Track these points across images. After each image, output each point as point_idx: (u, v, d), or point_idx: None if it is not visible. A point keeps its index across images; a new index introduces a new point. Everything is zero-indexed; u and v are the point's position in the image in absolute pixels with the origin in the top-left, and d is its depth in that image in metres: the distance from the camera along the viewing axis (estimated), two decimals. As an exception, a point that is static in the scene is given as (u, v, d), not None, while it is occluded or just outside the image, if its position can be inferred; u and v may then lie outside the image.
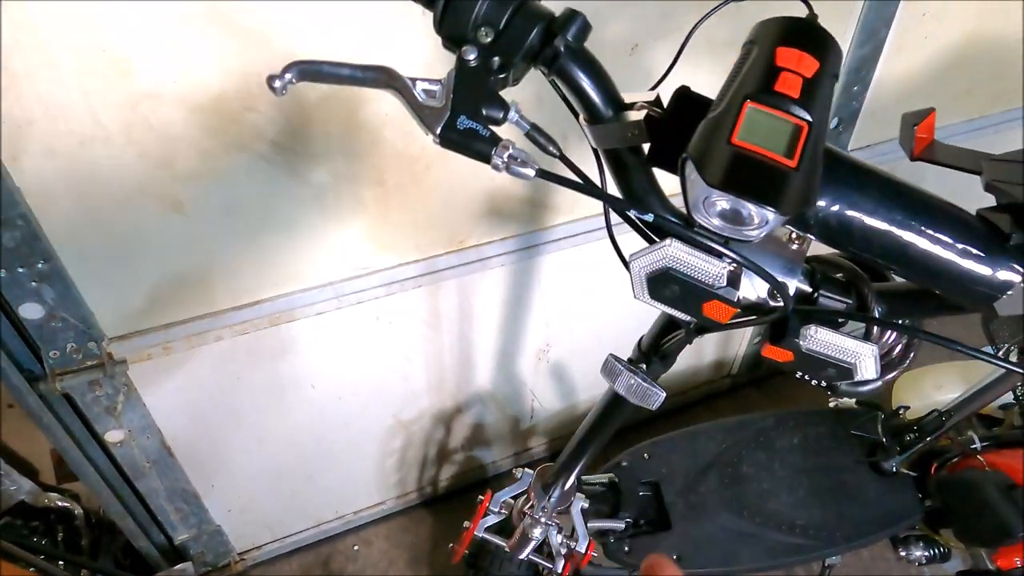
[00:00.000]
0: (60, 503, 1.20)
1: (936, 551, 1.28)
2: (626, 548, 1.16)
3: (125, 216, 0.87)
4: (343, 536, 1.51)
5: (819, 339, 0.43)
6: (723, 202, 0.33)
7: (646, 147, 0.41)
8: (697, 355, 1.69)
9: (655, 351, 0.65)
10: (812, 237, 0.43)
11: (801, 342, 0.43)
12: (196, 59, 0.78)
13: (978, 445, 1.20)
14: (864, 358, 0.42)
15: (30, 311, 0.88)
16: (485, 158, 0.38)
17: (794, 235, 0.46)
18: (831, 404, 1.38)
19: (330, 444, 1.32)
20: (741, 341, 1.74)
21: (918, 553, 1.27)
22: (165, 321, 1.00)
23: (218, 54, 0.79)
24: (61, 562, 1.04)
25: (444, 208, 1.07)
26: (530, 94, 0.93)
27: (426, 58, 0.88)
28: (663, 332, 0.63)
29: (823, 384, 0.51)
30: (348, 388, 1.24)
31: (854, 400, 1.38)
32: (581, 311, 1.37)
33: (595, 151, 0.45)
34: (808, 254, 0.50)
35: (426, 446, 1.46)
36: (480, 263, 1.16)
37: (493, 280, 1.22)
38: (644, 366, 0.65)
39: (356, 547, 1.50)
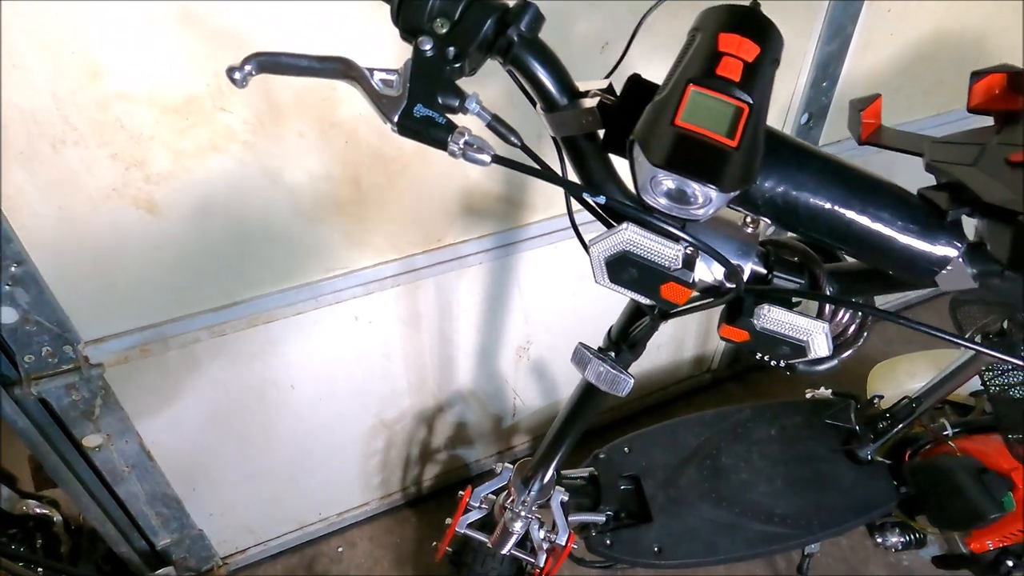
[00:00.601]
0: (39, 510, 1.19)
1: (912, 537, 1.31)
2: (608, 541, 1.17)
3: (99, 218, 0.87)
4: (327, 538, 1.51)
5: (772, 318, 0.44)
6: (668, 181, 0.35)
7: (602, 134, 0.42)
8: (677, 351, 1.71)
9: (624, 339, 0.66)
10: (767, 220, 0.44)
11: (755, 321, 0.45)
12: (167, 60, 0.79)
13: (950, 432, 1.23)
14: (816, 335, 0.44)
15: (4, 315, 0.88)
16: (442, 145, 0.39)
17: (748, 219, 0.48)
18: (807, 395, 1.40)
19: (312, 445, 1.32)
20: (720, 336, 1.76)
21: (894, 539, 1.29)
22: (142, 324, 0.99)
23: (189, 55, 0.79)
24: (40, 568, 1.04)
25: (420, 207, 1.08)
26: (502, 91, 0.94)
27: (398, 56, 0.89)
28: (630, 320, 0.64)
29: (782, 364, 0.52)
30: (328, 389, 1.24)
31: (830, 391, 1.40)
32: (560, 308, 1.38)
33: (555, 141, 0.46)
34: (764, 238, 0.52)
35: (409, 446, 1.47)
36: (457, 261, 1.17)
37: (471, 279, 1.23)
38: (613, 354, 0.66)
39: (340, 549, 1.50)
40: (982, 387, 1.12)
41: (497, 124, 0.46)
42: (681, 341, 1.69)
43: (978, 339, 0.97)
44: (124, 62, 0.77)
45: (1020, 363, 0.39)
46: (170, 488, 1.22)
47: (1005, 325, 0.95)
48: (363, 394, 1.30)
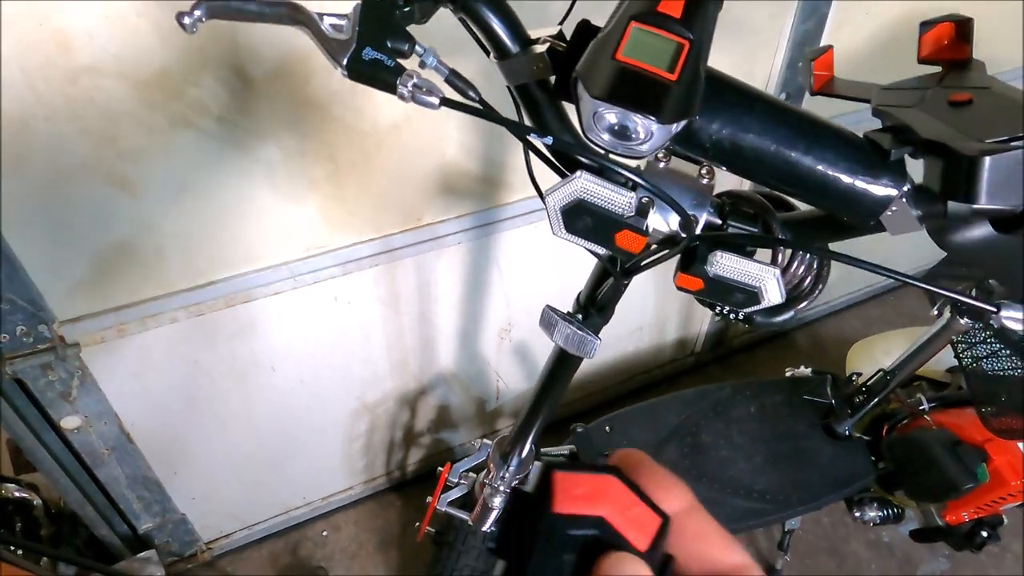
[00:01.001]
0: (18, 494, 1.18)
1: (890, 512, 1.32)
2: (589, 518, 1.18)
3: (72, 195, 0.87)
4: (312, 522, 1.51)
5: (724, 264, 0.45)
6: (610, 115, 0.35)
7: (553, 80, 0.43)
8: (660, 334, 1.72)
9: (592, 303, 0.67)
10: (723, 167, 0.45)
11: (708, 268, 0.45)
12: (136, 33, 0.78)
13: (926, 406, 1.24)
14: (767, 280, 0.45)
15: (-24, 293, 0.87)
16: (391, 88, 0.40)
17: (703, 171, 0.48)
18: (787, 373, 1.41)
19: (294, 428, 1.32)
20: (703, 320, 1.77)
21: (872, 514, 1.31)
22: (117, 303, 0.99)
23: (158, 28, 0.79)
24: (19, 550, 1.03)
25: (398, 186, 1.08)
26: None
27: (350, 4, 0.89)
28: (597, 283, 0.65)
29: (740, 316, 0.53)
30: (309, 370, 1.24)
31: (809, 370, 1.42)
32: (540, 291, 1.39)
33: (511, 92, 0.47)
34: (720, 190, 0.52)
35: (392, 429, 1.47)
36: (436, 241, 1.17)
37: (450, 259, 1.23)
38: (581, 317, 0.66)
39: (325, 533, 1.50)
40: (956, 361, 1.13)
41: (455, 78, 0.46)
42: (663, 324, 1.70)
43: (949, 308, 0.98)
44: (93, 35, 0.77)
45: (949, 294, 0.40)
46: (151, 471, 1.22)
47: (974, 293, 0.96)
48: (344, 376, 1.30)
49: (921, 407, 1.25)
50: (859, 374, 1.31)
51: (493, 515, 1.09)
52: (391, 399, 1.40)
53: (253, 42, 0.85)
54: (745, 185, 0.68)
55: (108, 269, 0.96)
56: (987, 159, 0.33)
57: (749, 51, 1.27)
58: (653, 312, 1.64)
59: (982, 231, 0.62)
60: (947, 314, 1.01)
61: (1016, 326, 0.40)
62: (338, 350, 1.25)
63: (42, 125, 0.80)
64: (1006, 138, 0.34)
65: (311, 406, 1.30)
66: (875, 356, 1.37)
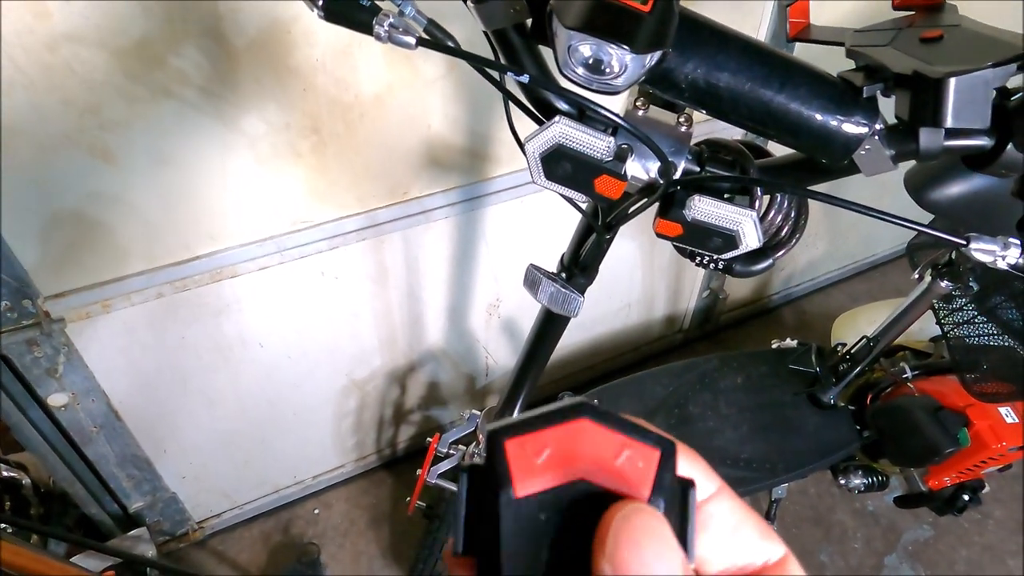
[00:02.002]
0: (6, 473, 1.18)
1: (875, 479, 1.34)
2: (578, 489, 1.19)
3: (54, 166, 0.86)
4: (303, 501, 1.51)
5: (702, 208, 0.45)
6: (584, 48, 0.36)
7: (530, 24, 0.43)
8: (648, 311, 1.73)
9: (575, 263, 0.67)
10: (699, 109, 0.45)
11: (687, 212, 0.46)
12: (116, 1, 0.78)
13: (909, 374, 1.26)
14: (744, 223, 0.45)
15: (-42, 267, 0.87)
16: (367, 28, 0.40)
17: (681, 118, 0.49)
18: (773, 345, 1.43)
19: (283, 406, 1.32)
20: (691, 297, 1.78)
21: (857, 481, 1.33)
22: (102, 278, 0.99)
23: (137, -6, 0.78)
24: (8, 527, 1.03)
25: (383, 158, 1.08)
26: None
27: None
28: (580, 241, 0.66)
29: (720, 266, 0.54)
30: (297, 347, 1.25)
31: (795, 342, 1.43)
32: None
33: (489, 40, 0.47)
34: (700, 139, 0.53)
35: (382, 407, 1.47)
36: (423, 215, 1.17)
37: (438, 233, 1.23)
38: (565, 276, 0.67)
39: (316, 511, 1.50)
40: (937, 326, 1.14)
41: (434, 28, 0.46)
42: (651, 301, 1.71)
43: (930, 271, 1.00)
44: (72, 2, 0.76)
45: (920, 227, 0.41)
46: (140, 450, 1.22)
47: (953, 256, 0.97)
48: (333, 353, 1.30)
49: (904, 375, 1.26)
50: (844, 344, 1.33)
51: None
52: (380, 376, 1.41)
53: (235, 10, 0.84)
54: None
55: (93, 243, 0.95)
56: (952, 80, 0.34)
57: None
58: (641, 289, 1.65)
59: (957, 183, 0.63)
60: (928, 278, 1.02)
61: (986, 258, 0.40)
62: (325, 326, 1.25)
63: (21, 95, 0.80)
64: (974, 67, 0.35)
65: (299, 383, 1.30)
66: (860, 327, 1.38)
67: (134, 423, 1.18)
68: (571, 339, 1.64)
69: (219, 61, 0.88)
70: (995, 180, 0.49)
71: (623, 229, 1.53)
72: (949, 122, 0.35)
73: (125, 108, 0.86)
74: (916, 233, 1.17)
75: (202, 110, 0.90)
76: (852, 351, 1.22)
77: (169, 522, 1.37)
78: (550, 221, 1.32)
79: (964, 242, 0.40)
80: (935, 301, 1.05)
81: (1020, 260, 0.40)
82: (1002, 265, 0.40)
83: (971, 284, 0.98)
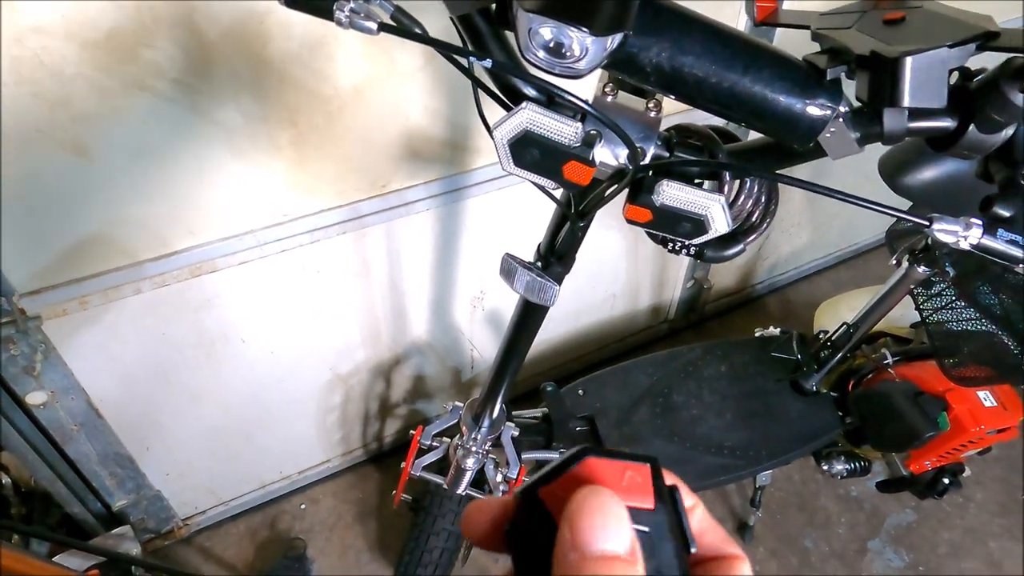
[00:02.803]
0: (-14, 473, 1.17)
1: (857, 465, 1.36)
2: (563, 480, 1.20)
3: (26, 161, 0.85)
4: (289, 496, 1.51)
5: (670, 193, 0.46)
6: (545, 30, 0.35)
7: (495, 8, 0.43)
8: (633, 301, 1.73)
9: (552, 252, 0.67)
10: (666, 94, 0.45)
11: (655, 198, 0.46)
12: (83, -10, 0.77)
13: (890, 360, 1.27)
14: (713, 207, 0.45)
15: (-70, 264, 0.86)
16: (327, 13, 0.39)
17: (650, 104, 0.49)
18: (756, 333, 1.44)
19: (266, 401, 1.32)
20: (675, 287, 1.79)
21: (839, 467, 1.34)
22: (79, 274, 0.98)
23: (106, -15, 0.77)
24: (-12, 527, 1.02)
25: (363, 151, 1.07)
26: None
27: None
28: (555, 230, 0.65)
29: (691, 252, 0.54)
30: (280, 342, 1.24)
31: (778, 330, 1.44)
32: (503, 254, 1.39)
33: (456, 27, 0.47)
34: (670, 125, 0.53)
35: (367, 401, 1.47)
36: (404, 208, 1.17)
37: (419, 226, 1.23)
38: (541, 265, 0.67)
39: (303, 506, 1.50)
40: (916, 311, 1.15)
41: (400, 15, 0.46)
42: (636, 292, 1.72)
43: (907, 257, 1.00)
44: (37, -8, 0.75)
45: (884, 209, 0.41)
46: (122, 447, 1.21)
47: (929, 242, 0.98)
48: (316, 347, 1.29)
49: (885, 361, 1.28)
50: (826, 332, 1.34)
51: (467, 477, 1.10)
52: (364, 370, 1.40)
53: (207, 1, 0.83)
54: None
55: (68, 240, 0.94)
56: (908, 59, 0.34)
57: None
58: (625, 279, 1.65)
59: (929, 168, 0.64)
60: (905, 264, 1.03)
61: (948, 239, 0.41)
62: (308, 321, 1.24)
63: (-11, 88, 0.78)
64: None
65: (283, 378, 1.29)
66: (841, 314, 1.39)
67: (116, 421, 1.17)
68: (557, 330, 1.64)
69: (192, 53, 0.87)
70: (965, 164, 0.50)
71: (606, 220, 1.52)
72: (906, 101, 0.35)
73: (97, 101, 0.85)
74: (895, 220, 1.18)
75: (177, 103, 0.89)
76: (833, 337, 1.23)
77: (154, 520, 1.36)
78: (532, 212, 1.31)
79: (927, 223, 0.40)
80: (913, 287, 1.06)
81: (982, 240, 0.40)
82: (964, 245, 0.41)
83: (947, 269, 0.98)
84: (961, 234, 0.40)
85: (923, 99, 0.35)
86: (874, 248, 2.14)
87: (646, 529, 0.21)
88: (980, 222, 0.40)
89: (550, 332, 1.64)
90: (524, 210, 1.31)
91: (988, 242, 0.40)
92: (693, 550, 0.22)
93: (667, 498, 0.22)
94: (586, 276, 1.56)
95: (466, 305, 1.42)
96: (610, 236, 1.51)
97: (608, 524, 0.20)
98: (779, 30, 1.25)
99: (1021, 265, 0.40)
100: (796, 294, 2.03)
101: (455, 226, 1.27)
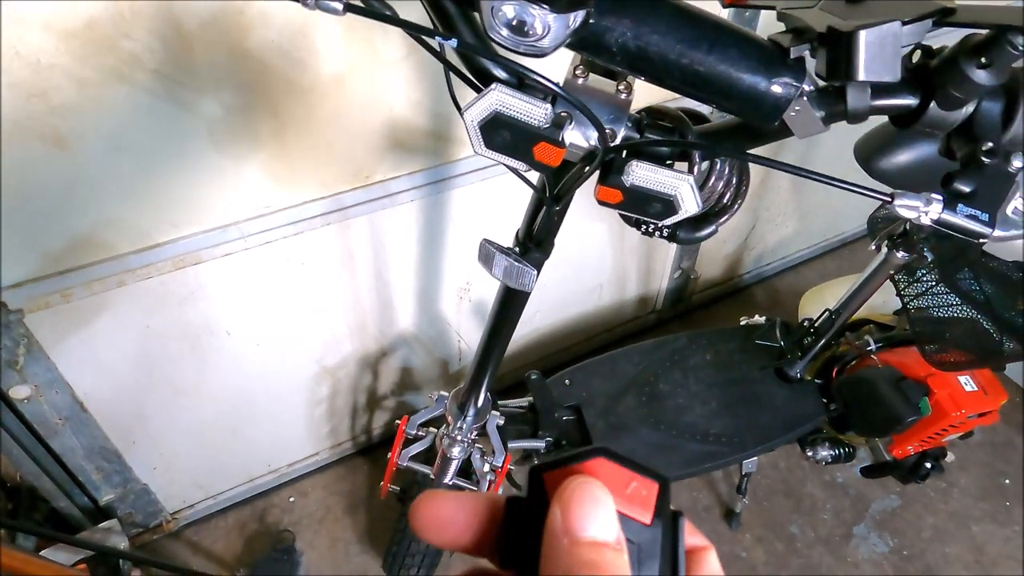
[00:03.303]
0: (-29, 469, 1.17)
1: (841, 451, 1.37)
2: (550, 468, 1.20)
3: (5, 154, 0.85)
4: (278, 489, 1.51)
5: (640, 173, 0.46)
6: (507, 8, 0.36)
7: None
8: (620, 291, 1.74)
9: (530, 237, 0.67)
10: (634, 74, 0.45)
11: (625, 178, 0.46)
12: (58, -20, 0.76)
13: (873, 347, 1.29)
14: (682, 187, 0.46)
15: (-91, 257, 0.85)
16: (292, -7, 0.39)
17: (620, 86, 0.49)
18: (742, 322, 1.45)
19: (253, 394, 1.32)
20: (662, 276, 1.79)
21: (824, 453, 1.35)
22: (60, 267, 0.97)
23: (82, -26, 0.77)
24: (-28, 522, 1.02)
25: (345, 142, 1.07)
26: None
27: None
28: (532, 215, 0.66)
29: (664, 233, 0.54)
30: (266, 334, 1.24)
31: (763, 318, 1.45)
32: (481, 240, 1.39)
33: (426, 8, 0.47)
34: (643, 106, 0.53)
35: (355, 393, 1.47)
36: (388, 199, 1.17)
37: (404, 217, 1.23)
38: (519, 251, 0.67)
39: (292, 499, 1.50)
40: (897, 297, 1.17)
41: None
42: (623, 282, 1.72)
43: (886, 243, 1.01)
44: (12, -18, 0.74)
45: (846, 186, 0.41)
46: (108, 441, 1.21)
47: (908, 227, 0.99)
48: (302, 339, 1.29)
49: (868, 348, 1.29)
50: (810, 319, 1.35)
51: (454, 466, 1.10)
52: (352, 362, 1.40)
53: (184, -10, 0.83)
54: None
55: (49, 232, 0.94)
56: (862, 32, 0.34)
57: None
58: (611, 269, 1.65)
59: (903, 152, 0.64)
60: (884, 249, 1.04)
61: (910, 214, 0.41)
62: (293, 313, 1.24)
63: (-35, 80, 0.78)
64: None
65: (269, 370, 1.29)
66: (826, 302, 1.40)
67: (101, 414, 1.16)
68: (544, 321, 1.65)
69: (172, 43, 0.86)
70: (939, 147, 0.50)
71: (590, 210, 1.53)
72: (861, 75, 0.36)
73: (75, 92, 0.84)
74: (877, 207, 1.19)
75: (156, 94, 0.89)
76: (816, 324, 1.24)
77: (142, 514, 1.36)
78: (517, 204, 1.31)
79: (889, 198, 0.41)
80: (894, 272, 1.07)
81: (942, 215, 0.41)
82: (925, 220, 0.41)
83: (925, 254, 0.99)
84: (922, 209, 0.41)
85: (878, 72, 0.35)
86: (860, 238, 2.16)
87: (635, 541, 0.22)
88: (941, 198, 0.41)
89: (537, 323, 1.64)
90: (509, 201, 1.31)
91: (948, 217, 0.41)
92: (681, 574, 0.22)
93: (667, 520, 0.23)
94: (572, 266, 1.57)
95: (452, 296, 1.43)
96: (595, 226, 1.51)
97: (598, 513, 0.21)
98: (763, 13, 1.26)
99: (982, 240, 0.41)
100: (783, 284, 2.05)
101: (440, 217, 1.27)
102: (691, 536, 0.24)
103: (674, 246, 1.71)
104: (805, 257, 2.11)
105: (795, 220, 1.96)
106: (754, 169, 1.75)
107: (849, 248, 2.14)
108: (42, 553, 1.18)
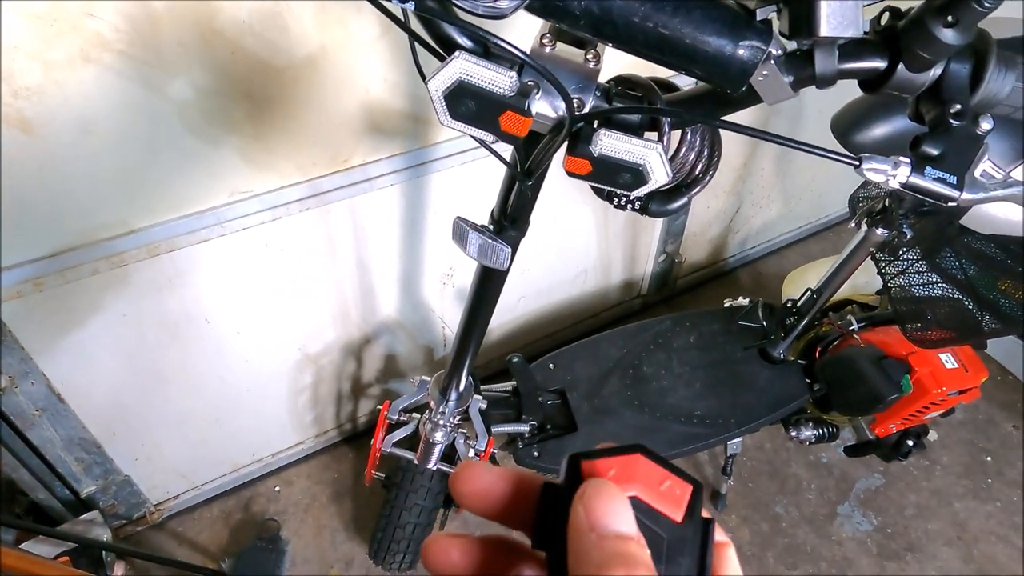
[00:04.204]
0: (-54, 462, 1.15)
1: (825, 430, 1.38)
2: (535, 452, 1.20)
3: (-35, 139, 0.83)
4: (263, 479, 1.50)
5: (608, 143, 0.45)
6: (466, -31, 0.35)
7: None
8: (605, 276, 1.74)
9: (504, 215, 0.67)
10: (601, 40, 0.45)
11: (593, 148, 0.46)
12: (18, -43, 0.74)
13: (855, 326, 1.29)
14: (650, 156, 0.45)
15: None
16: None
17: (589, 55, 0.48)
18: (725, 304, 1.45)
19: (235, 382, 1.30)
20: (647, 261, 1.79)
21: (808, 433, 1.36)
22: (31, 256, 0.96)
23: (42, -49, 0.75)
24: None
25: (321, 124, 1.06)
26: None
27: (275, -43, 0.86)
28: (506, 193, 0.65)
29: (636, 206, 0.54)
30: (246, 322, 1.23)
31: (747, 300, 1.45)
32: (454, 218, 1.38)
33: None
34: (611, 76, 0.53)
35: (339, 381, 1.46)
36: (367, 183, 1.15)
37: (384, 202, 1.21)
38: (494, 229, 0.66)
39: (277, 488, 1.50)
40: (879, 276, 1.17)
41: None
42: (608, 267, 1.72)
43: (865, 220, 1.01)
44: (-31, -41, 0.72)
45: (811, 148, 0.41)
46: (88, 432, 1.19)
47: (887, 203, 0.99)
48: (284, 326, 1.28)
49: (851, 327, 1.29)
50: (794, 300, 1.35)
51: (437, 451, 1.10)
52: (335, 349, 1.39)
53: (150, -31, 0.81)
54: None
55: (18, 220, 0.92)
56: (823, -12, 0.34)
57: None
58: (596, 254, 1.65)
59: (879, 125, 0.64)
60: (864, 227, 1.04)
61: (878, 178, 0.41)
62: (274, 300, 1.23)
63: (-76, 61, 0.76)
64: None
65: (251, 359, 1.28)
66: (808, 282, 1.40)
67: (79, 405, 1.15)
68: (529, 307, 1.64)
69: (138, 24, 0.84)
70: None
71: (574, 194, 1.51)
72: (823, 30, 0.35)
73: (41, 75, 0.83)
74: (858, 186, 1.19)
75: (125, 75, 0.87)
76: (798, 304, 1.24)
77: (124, 505, 1.35)
78: (495, 188, 1.31)
79: (857, 163, 0.40)
80: (874, 251, 1.07)
81: (910, 178, 0.40)
82: (894, 184, 0.41)
83: (904, 231, 0.99)
84: (890, 173, 0.40)
85: (840, 28, 0.35)
86: (844, 220, 2.16)
87: (665, 536, 0.22)
88: (908, 161, 0.40)
89: (522, 309, 1.64)
90: (491, 185, 1.30)
91: (916, 180, 0.40)
92: None
93: (698, 523, 0.23)
94: (557, 252, 1.56)
95: (436, 282, 1.42)
96: (580, 211, 1.51)
97: (620, 510, 0.22)
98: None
99: (950, 203, 0.41)
100: (767, 267, 2.05)
101: (421, 202, 1.26)
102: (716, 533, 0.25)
103: (659, 230, 1.70)
104: (790, 240, 2.12)
105: (779, 203, 1.96)
106: (738, 151, 1.74)
107: (833, 231, 2.14)
108: (22, 546, 1.17)
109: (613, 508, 0.22)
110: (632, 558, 0.21)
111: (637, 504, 0.22)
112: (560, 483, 0.23)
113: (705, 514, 0.24)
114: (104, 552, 1.25)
